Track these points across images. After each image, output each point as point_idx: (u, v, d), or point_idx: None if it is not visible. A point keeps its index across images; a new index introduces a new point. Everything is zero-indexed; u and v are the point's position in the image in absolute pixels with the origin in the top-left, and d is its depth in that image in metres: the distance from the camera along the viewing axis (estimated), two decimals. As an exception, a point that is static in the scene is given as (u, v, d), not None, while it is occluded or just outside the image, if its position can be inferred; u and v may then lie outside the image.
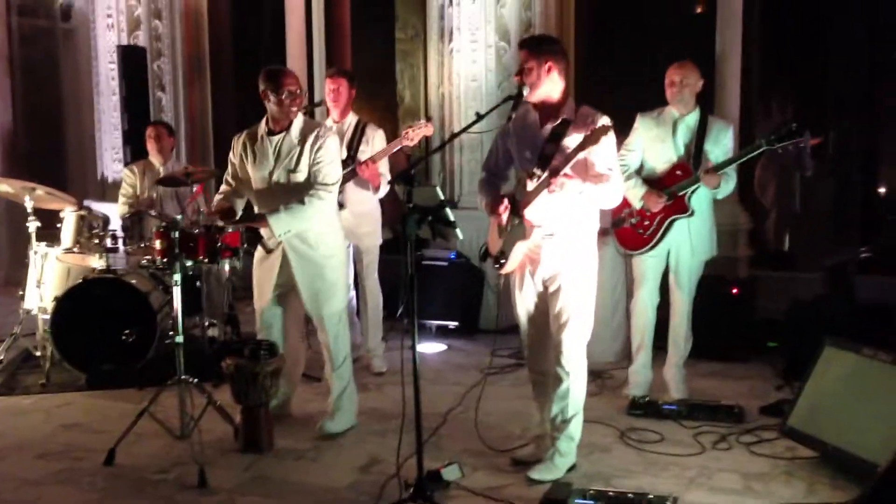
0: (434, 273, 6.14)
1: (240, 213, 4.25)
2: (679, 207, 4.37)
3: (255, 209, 4.19)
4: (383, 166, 5.04)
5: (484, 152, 5.62)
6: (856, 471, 3.43)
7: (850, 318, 4.68)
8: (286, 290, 4.21)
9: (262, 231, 4.10)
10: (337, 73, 5.11)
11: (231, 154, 4.22)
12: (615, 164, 3.57)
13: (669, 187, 4.35)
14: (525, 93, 3.49)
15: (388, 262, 5.43)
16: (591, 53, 6.80)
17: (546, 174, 3.44)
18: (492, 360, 4.13)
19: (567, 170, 3.41)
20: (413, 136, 4.87)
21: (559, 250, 3.53)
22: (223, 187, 4.29)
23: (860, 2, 6.77)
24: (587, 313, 3.60)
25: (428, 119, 5.11)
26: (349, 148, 4.99)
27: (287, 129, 4.05)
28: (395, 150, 4.96)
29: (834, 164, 7.01)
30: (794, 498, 3.39)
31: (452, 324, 6.08)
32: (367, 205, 5.08)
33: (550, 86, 3.52)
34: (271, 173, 4.05)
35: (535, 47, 3.57)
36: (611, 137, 3.48)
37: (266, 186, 4.08)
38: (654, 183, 4.42)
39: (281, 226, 3.96)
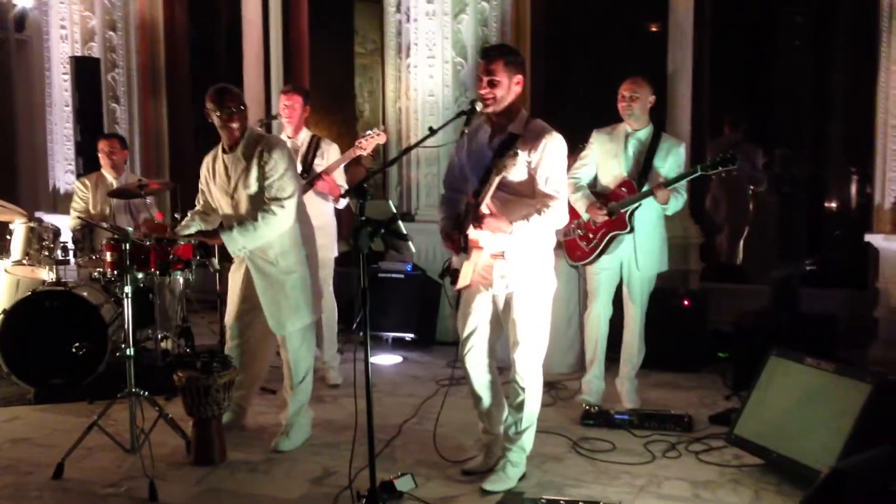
0: (390, 285, 6.16)
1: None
2: (619, 224, 4.44)
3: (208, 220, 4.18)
4: (340, 178, 5.07)
5: (441, 166, 5.68)
6: (799, 477, 3.52)
7: (795, 329, 4.80)
8: (253, 305, 4.16)
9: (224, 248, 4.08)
10: (291, 89, 5.14)
11: (201, 180, 4.22)
12: (561, 183, 3.49)
13: (613, 203, 4.43)
14: (478, 108, 3.48)
15: (344, 275, 5.44)
16: (546, 71, 6.90)
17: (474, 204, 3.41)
18: (453, 371, 4.14)
19: (488, 200, 3.37)
20: (366, 144, 4.91)
21: (510, 271, 3.50)
22: (197, 208, 4.28)
23: (806, 23, 6.97)
24: (542, 332, 3.60)
25: (383, 129, 5.14)
26: (304, 163, 5.01)
27: (237, 145, 4.05)
28: (349, 160, 5.00)
29: (781, 182, 7.18)
30: (740, 504, 3.48)
31: (409, 336, 6.10)
32: (322, 218, 5.07)
33: (511, 99, 3.51)
34: (232, 193, 4.05)
35: (509, 59, 3.47)
36: (555, 155, 3.44)
37: (230, 206, 4.08)
38: (603, 198, 4.50)
39: (234, 244, 3.95)
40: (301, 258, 4.12)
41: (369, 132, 4.95)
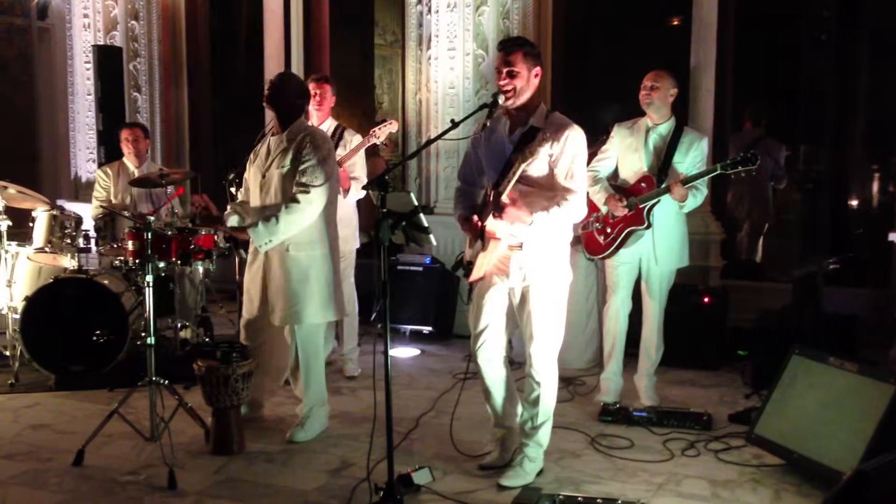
0: (409, 278, 6.16)
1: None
2: (637, 220, 4.39)
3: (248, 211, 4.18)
4: (360, 170, 5.06)
5: (460, 159, 5.66)
6: (821, 478, 3.49)
7: (816, 328, 4.75)
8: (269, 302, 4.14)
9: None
10: (321, 78, 5.16)
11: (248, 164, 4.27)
12: (581, 177, 3.47)
13: (633, 197, 4.40)
14: (500, 101, 3.46)
15: (363, 267, 5.44)
16: (567, 64, 6.86)
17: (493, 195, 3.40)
18: (469, 365, 4.14)
19: (510, 189, 3.36)
20: (379, 133, 4.97)
21: (528, 262, 3.49)
22: (241, 192, 4.32)
23: (832, 18, 6.89)
24: (557, 325, 3.58)
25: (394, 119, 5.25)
26: (326, 152, 5.01)
27: (286, 129, 4.07)
28: (362, 149, 5.01)
29: (804, 179, 7.12)
30: (759, 504, 3.45)
31: (427, 329, 6.10)
32: (342, 209, 5.07)
33: (531, 91, 3.49)
34: (265, 172, 4.06)
35: (528, 50, 3.46)
36: (576, 149, 3.43)
37: (259, 185, 4.09)
38: (623, 192, 4.46)
39: (260, 238, 3.93)
40: (322, 255, 4.06)
41: (383, 123, 5.03)
